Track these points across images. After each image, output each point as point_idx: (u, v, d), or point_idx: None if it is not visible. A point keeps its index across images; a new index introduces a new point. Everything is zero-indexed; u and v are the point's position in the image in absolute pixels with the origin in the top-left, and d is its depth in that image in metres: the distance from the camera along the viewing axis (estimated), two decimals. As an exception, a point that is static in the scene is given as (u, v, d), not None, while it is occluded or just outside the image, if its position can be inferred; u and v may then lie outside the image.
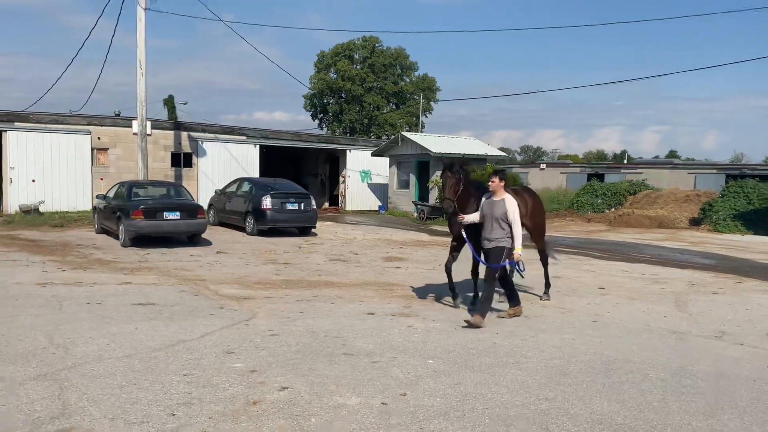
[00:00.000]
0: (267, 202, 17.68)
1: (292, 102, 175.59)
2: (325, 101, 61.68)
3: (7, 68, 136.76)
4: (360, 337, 6.88)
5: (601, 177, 37.66)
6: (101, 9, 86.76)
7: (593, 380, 5.56)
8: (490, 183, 7.76)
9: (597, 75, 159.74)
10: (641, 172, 36.10)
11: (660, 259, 14.90)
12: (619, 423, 4.60)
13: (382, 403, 4.83)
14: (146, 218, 14.46)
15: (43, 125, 22.72)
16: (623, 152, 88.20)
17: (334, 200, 32.81)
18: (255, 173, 26.66)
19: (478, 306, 7.85)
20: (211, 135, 26.51)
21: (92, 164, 23.62)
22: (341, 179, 31.57)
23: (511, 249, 7.58)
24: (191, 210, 15.37)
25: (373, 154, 30.26)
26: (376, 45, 58.92)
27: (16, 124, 22.29)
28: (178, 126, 26.00)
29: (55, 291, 9.08)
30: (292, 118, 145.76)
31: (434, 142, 27.87)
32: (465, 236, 8.21)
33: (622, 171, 39.94)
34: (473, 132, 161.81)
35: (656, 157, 78.01)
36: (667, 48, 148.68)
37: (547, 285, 9.67)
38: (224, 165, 26.41)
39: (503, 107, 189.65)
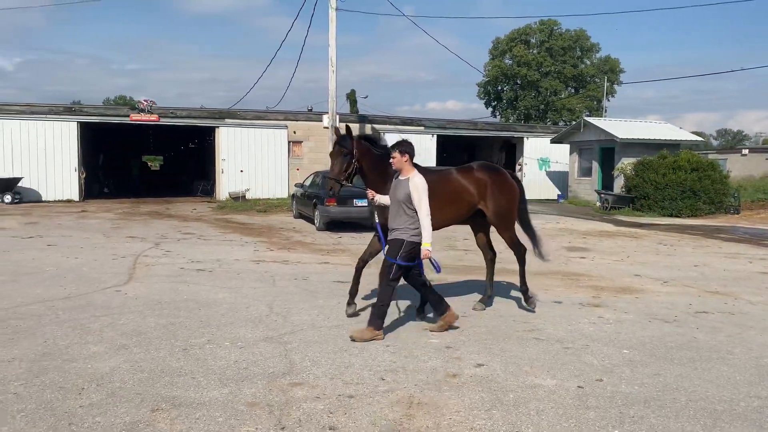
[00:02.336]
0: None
1: (465, 91, 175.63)
2: (499, 88, 60.89)
3: (211, 70, 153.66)
4: (549, 323, 6.95)
5: (819, 163, 33.00)
6: (292, 11, 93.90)
7: (815, 383, 5.12)
8: (391, 160, 6.42)
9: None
10: None
11: None
12: None
13: (579, 387, 4.91)
14: (338, 205, 15.70)
15: (248, 121, 25.43)
16: None
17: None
18: (432, 162, 27.40)
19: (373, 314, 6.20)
20: (392, 126, 27.72)
21: (288, 156, 25.96)
22: (517, 167, 31.20)
23: (418, 244, 6.07)
24: (377, 197, 16.34)
25: (552, 141, 29.50)
26: (555, 28, 56.80)
27: (226, 120, 25.22)
28: (362, 119, 27.56)
29: (267, 267, 10.28)
30: (464, 106, 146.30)
31: (620, 126, 26.42)
32: (377, 222, 6.71)
33: None
34: (662, 116, 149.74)
35: None
36: None
37: (524, 291, 7.66)
38: (404, 154, 27.43)
39: (696, 88, 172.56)
